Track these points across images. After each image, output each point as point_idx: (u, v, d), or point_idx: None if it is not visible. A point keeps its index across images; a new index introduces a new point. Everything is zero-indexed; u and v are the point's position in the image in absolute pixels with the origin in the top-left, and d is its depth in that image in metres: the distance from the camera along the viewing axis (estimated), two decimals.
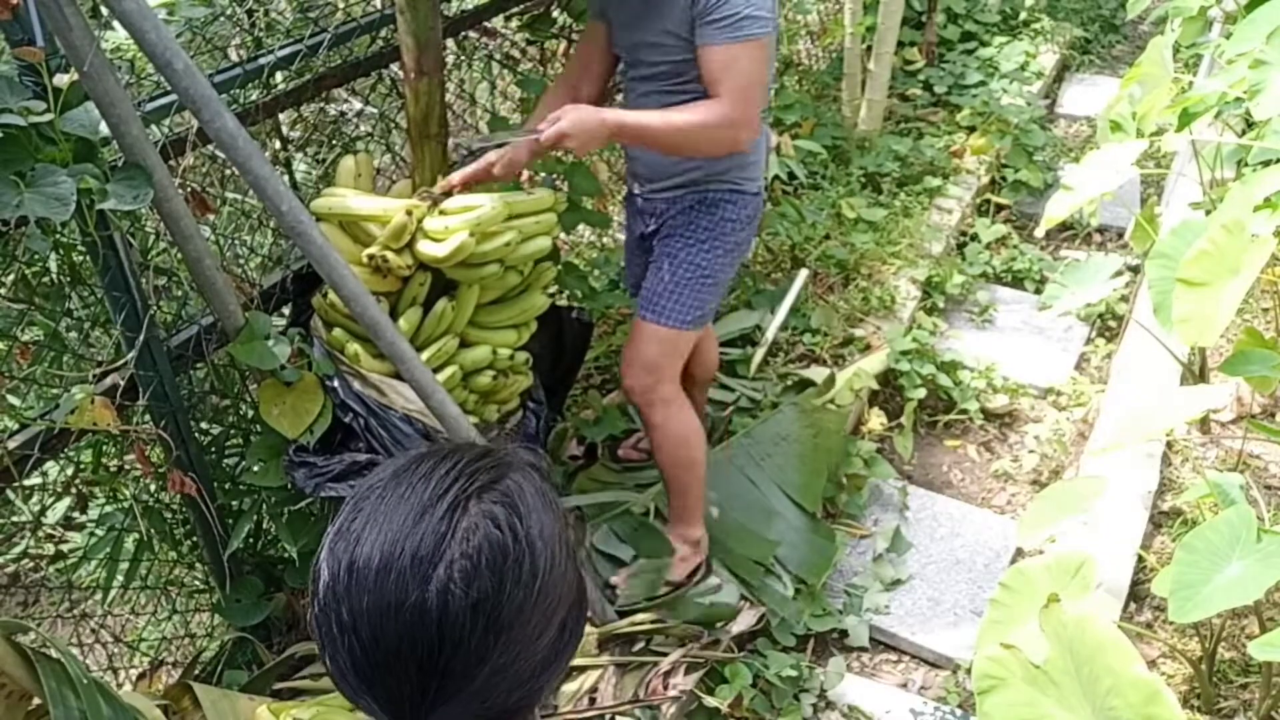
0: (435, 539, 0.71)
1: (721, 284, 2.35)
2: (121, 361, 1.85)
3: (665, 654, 2.31)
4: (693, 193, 2.27)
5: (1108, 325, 3.68)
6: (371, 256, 2.00)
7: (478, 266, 2.10)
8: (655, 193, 2.32)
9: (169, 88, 1.64)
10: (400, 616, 0.69)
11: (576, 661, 2.25)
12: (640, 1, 2.08)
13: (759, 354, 3.23)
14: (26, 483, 2.02)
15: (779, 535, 2.66)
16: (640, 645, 2.34)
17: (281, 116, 2.35)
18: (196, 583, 2.31)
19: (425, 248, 2.02)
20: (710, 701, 2.27)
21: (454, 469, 0.76)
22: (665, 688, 2.24)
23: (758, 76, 2.05)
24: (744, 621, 2.44)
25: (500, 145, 2.11)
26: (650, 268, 2.34)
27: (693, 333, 2.33)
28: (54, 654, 1.52)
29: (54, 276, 1.94)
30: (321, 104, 2.52)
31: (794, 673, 2.36)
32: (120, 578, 2.09)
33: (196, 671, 2.22)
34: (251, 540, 2.25)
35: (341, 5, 2.32)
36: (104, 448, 2.05)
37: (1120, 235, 4.16)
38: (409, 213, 2.00)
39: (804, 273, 3.47)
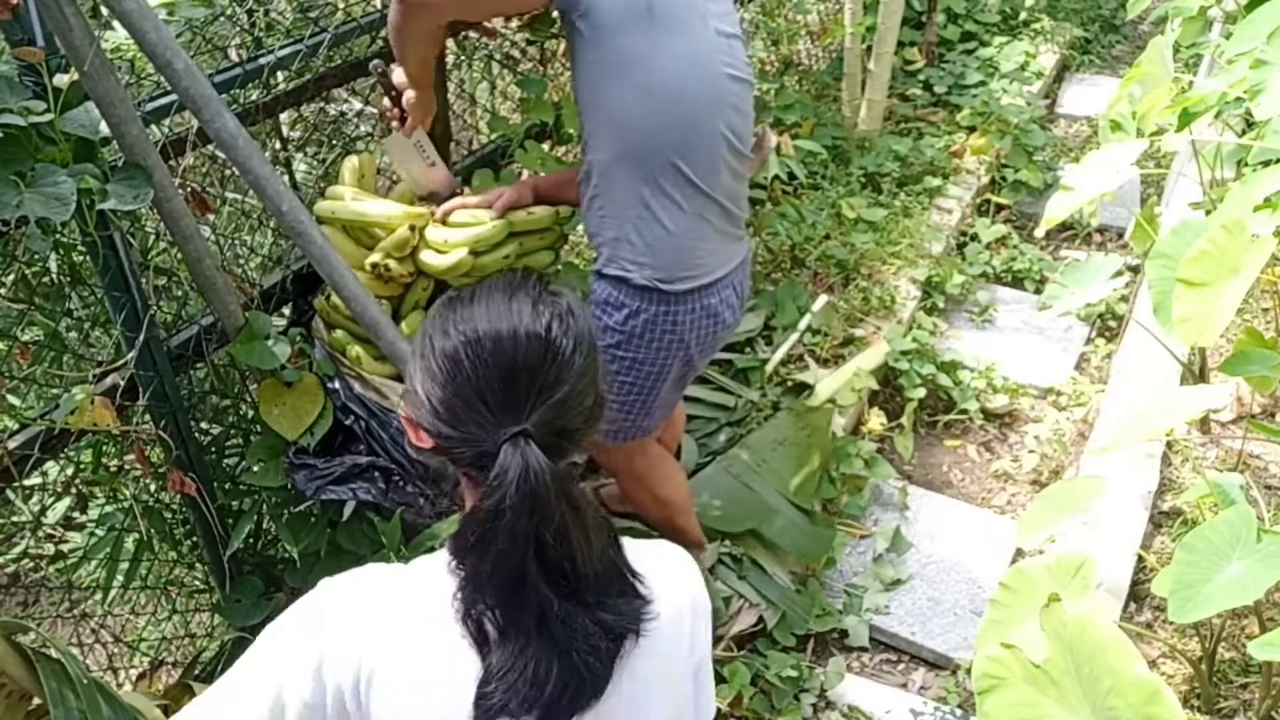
0: (531, 300, 1.02)
1: (632, 399, 1.99)
2: (121, 361, 1.85)
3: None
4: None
5: (1108, 325, 3.68)
6: (375, 265, 2.01)
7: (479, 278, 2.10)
8: None
9: (169, 88, 1.64)
10: (517, 338, 0.98)
11: None
12: None
13: (772, 362, 3.20)
14: (26, 483, 2.02)
15: (778, 533, 2.66)
16: None
17: (281, 116, 2.35)
18: (196, 583, 2.31)
19: (427, 257, 2.03)
20: None
21: (523, 271, 1.09)
22: None
23: None
24: (743, 621, 2.44)
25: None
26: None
27: (625, 442, 2.09)
28: (54, 654, 1.52)
29: (54, 276, 1.94)
30: (321, 104, 2.52)
31: (794, 673, 2.36)
32: (120, 578, 2.08)
33: (196, 671, 2.22)
34: (251, 540, 2.25)
35: (341, 5, 2.32)
36: (104, 448, 2.05)
37: (1120, 235, 4.16)
38: (411, 227, 2.01)
39: (824, 299, 3.44)
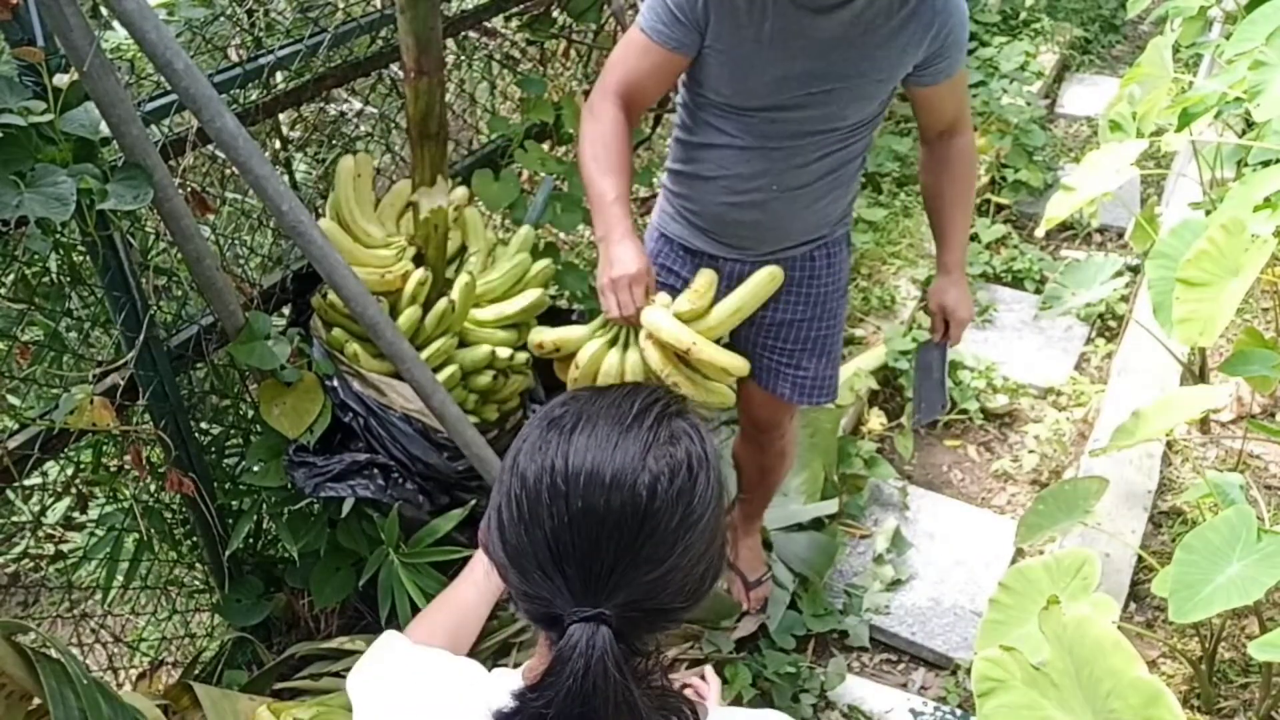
0: (643, 443, 0.84)
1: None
2: (121, 361, 1.85)
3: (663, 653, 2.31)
4: (821, 245, 2.04)
5: (1108, 325, 3.68)
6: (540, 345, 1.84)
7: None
8: (760, 258, 1.98)
9: (169, 88, 1.64)
10: (612, 494, 0.81)
11: None
12: (853, 26, 1.70)
13: None
14: (26, 483, 2.02)
15: (781, 538, 2.66)
16: None
17: (281, 116, 2.35)
18: (196, 583, 2.31)
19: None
20: None
21: (648, 394, 0.91)
22: None
23: None
24: (745, 628, 2.44)
25: None
26: (785, 352, 2.11)
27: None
28: (54, 654, 1.52)
29: (54, 276, 1.94)
30: (321, 104, 2.52)
31: (792, 669, 2.36)
32: (120, 578, 2.08)
33: (196, 671, 2.22)
34: (251, 540, 2.25)
35: (341, 5, 2.32)
36: (104, 448, 2.04)
37: (1120, 235, 4.16)
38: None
39: None
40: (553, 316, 2.46)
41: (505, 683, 0.92)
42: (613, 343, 1.74)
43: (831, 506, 2.75)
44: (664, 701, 0.86)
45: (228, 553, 2.09)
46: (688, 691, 1.05)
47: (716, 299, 1.84)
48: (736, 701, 2.29)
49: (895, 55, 1.75)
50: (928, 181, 2.07)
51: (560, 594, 0.83)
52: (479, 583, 1.23)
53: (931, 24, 1.72)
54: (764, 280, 1.83)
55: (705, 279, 1.79)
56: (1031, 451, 3.14)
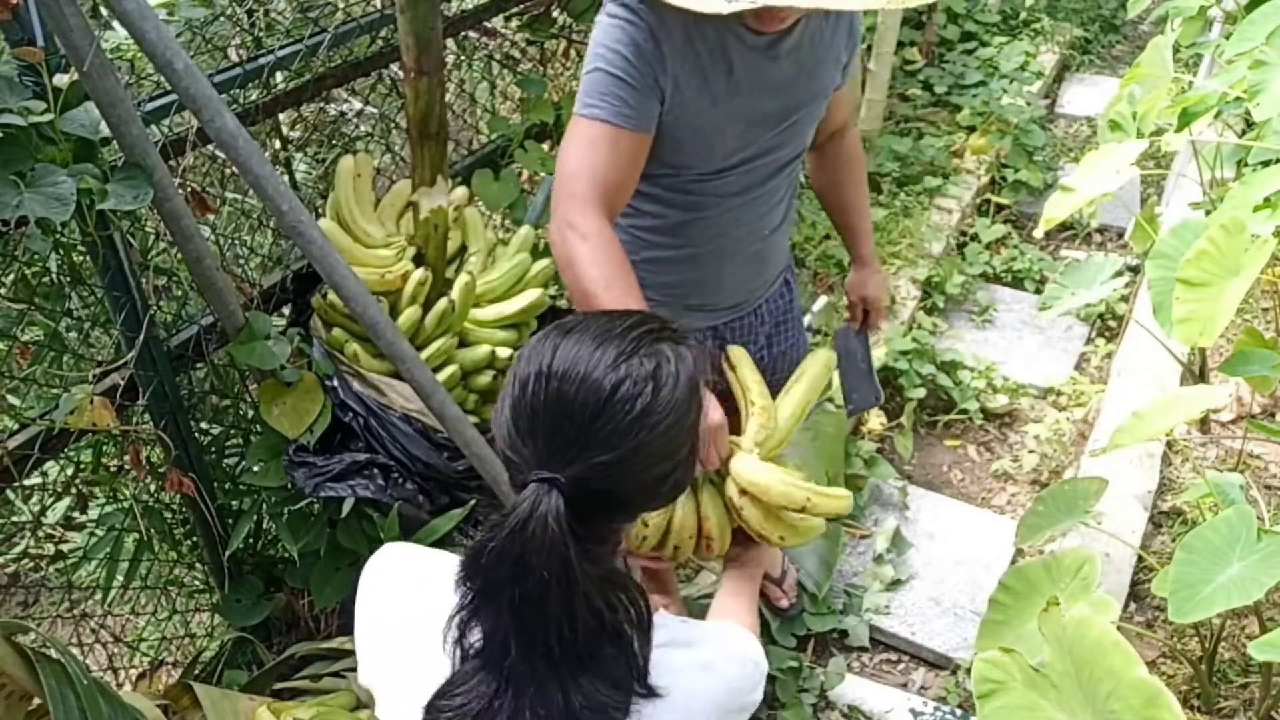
0: (619, 351, 0.97)
1: None
2: (121, 361, 1.85)
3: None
4: (786, 270, 2.03)
5: (1108, 325, 3.68)
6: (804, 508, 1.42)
7: None
8: (750, 309, 1.96)
9: (169, 88, 1.64)
10: (581, 386, 0.95)
11: None
12: (798, 54, 1.63)
13: None
14: (26, 483, 2.02)
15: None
16: None
17: (281, 116, 2.35)
18: (196, 583, 2.31)
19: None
20: None
21: (644, 317, 1.05)
22: None
23: None
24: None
25: None
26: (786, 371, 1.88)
27: None
28: (54, 654, 1.52)
29: (54, 276, 1.94)
30: (321, 104, 2.52)
31: (794, 664, 2.36)
32: (120, 578, 2.08)
33: (196, 671, 2.22)
34: (251, 540, 2.25)
35: (341, 5, 2.32)
36: (104, 448, 2.05)
37: (1120, 235, 4.16)
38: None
39: (824, 299, 3.44)
40: (553, 316, 2.46)
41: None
42: None
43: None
44: (609, 576, 0.96)
45: (228, 553, 2.09)
46: (653, 596, 1.07)
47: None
48: None
49: (833, 65, 1.72)
50: (826, 183, 2.04)
51: (528, 460, 0.96)
52: None
53: (850, 26, 1.71)
54: (821, 370, 1.65)
55: (754, 379, 1.56)
56: (1031, 451, 3.14)
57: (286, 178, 2.36)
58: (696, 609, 2.41)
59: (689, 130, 1.60)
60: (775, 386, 2.04)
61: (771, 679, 2.37)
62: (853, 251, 2.10)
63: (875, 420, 3.17)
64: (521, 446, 0.97)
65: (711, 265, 1.81)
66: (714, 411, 1.38)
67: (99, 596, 2.12)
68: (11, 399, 1.96)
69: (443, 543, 2.07)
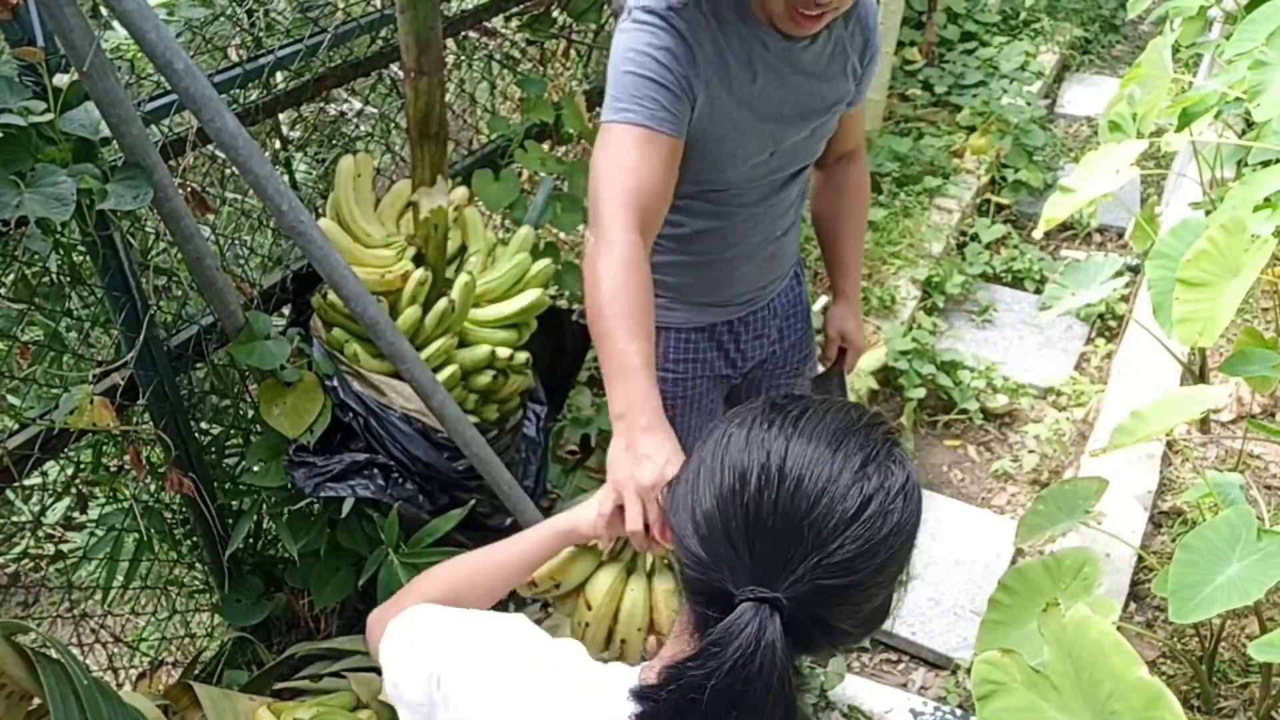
0: (865, 454, 0.83)
1: None
2: (121, 361, 1.85)
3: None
4: (794, 265, 2.04)
5: (1108, 325, 3.68)
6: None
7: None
8: (763, 304, 1.98)
9: (169, 88, 1.64)
10: (825, 494, 0.80)
11: None
12: (818, 65, 1.64)
13: None
14: (26, 483, 2.02)
15: None
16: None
17: (281, 116, 2.35)
18: (196, 583, 2.31)
19: None
20: None
21: (873, 414, 0.91)
22: None
23: None
24: None
25: None
26: (798, 361, 2.09)
27: None
28: (54, 654, 1.52)
29: (54, 276, 1.94)
30: (321, 104, 2.52)
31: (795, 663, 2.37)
32: (120, 578, 2.08)
33: (196, 671, 2.22)
34: (251, 540, 2.25)
35: (341, 5, 2.32)
36: (104, 448, 2.05)
37: (1120, 235, 4.16)
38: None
39: (824, 299, 3.45)
40: (553, 316, 2.46)
41: (619, 676, 0.90)
42: (630, 569, 1.30)
43: None
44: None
45: (228, 553, 2.09)
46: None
47: (743, 355, 1.92)
48: None
49: (849, 74, 1.72)
50: (824, 209, 2.01)
51: (739, 570, 0.81)
52: (526, 551, 1.16)
53: (865, 42, 1.70)
54: None
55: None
56: (1031, 451, 3.14)
57: (286, 178, 2.36)
58: None
59: (714, 139, 1.58)
60: (788, 378, 2.05)
61: None
62: (835, 285, 2.03)
63: None
64: (730, 552, 0.82)
65: (725, 269, 1.81)
66: (672, 461, 1.19)
67: (99, 596, 2.12)
68: (11, 399, 1.96)
69: (443, 543, 2.07)
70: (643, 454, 1.21)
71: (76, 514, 2.20)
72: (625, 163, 1.44)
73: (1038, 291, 3.82)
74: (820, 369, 2.12)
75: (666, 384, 1.87)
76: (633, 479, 1.19)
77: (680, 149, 1.52)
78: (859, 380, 3.12)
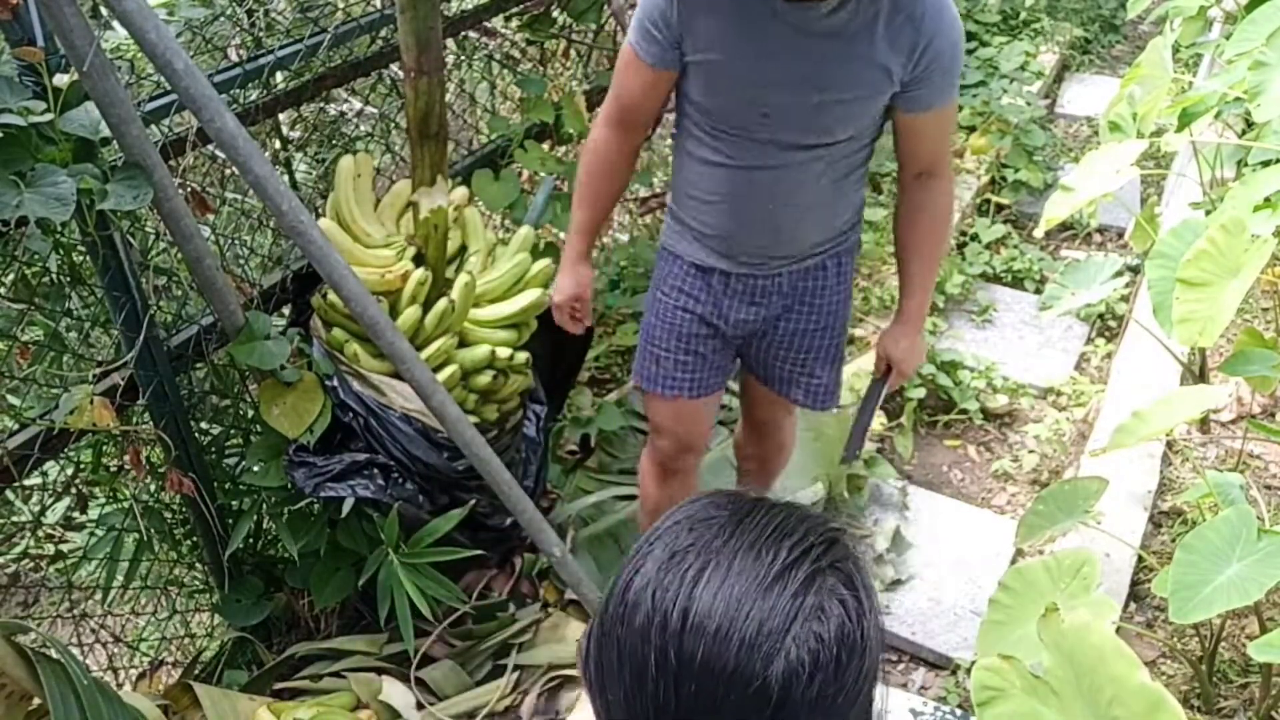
0: (786, 615, 0.68)
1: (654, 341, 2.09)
2: (121, 361, 1.85)
3: None
4: (830, 253, 2.02)
5: (1108, 325, 3.68)
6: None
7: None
8: (780, 268, 1.99)
9: (169, 88, 1.64)
10: (736, 685, 0.66)
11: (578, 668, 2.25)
12: (835, 41, 1.68)
13: None
14: (26, 483, 2.02)
15: None
16: None
17: (281, 116, 2.35)
18: (196, 583, 2.31)
19: None
20: None
21: (801, 536, 0.73)
22: None
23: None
24: None
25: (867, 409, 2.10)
26: (804, 353, 2.08)
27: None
28: (54, 654, 1.52)
29: (54, 276, 1.94)
30: (321, 104, 2.52)
31: None
32: (120, 578, 2.08)
33: (196, 671, 2.22)
34: (251, 540, 2.25)
35: (341, 5, 2.32)
36: (104, 448, 2.05)
37: (1120, 235, 4.16)
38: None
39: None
40: (553, 316, 2.46)
41: None
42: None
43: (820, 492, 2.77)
44: None
45: (228, 553, 2.09)
46: None
47: (731, 312, 1.98)
48: None
49: (876, 72, 1.71)
50: (899, 227, 2.02)
51: None
52: None
53: (915, 44, 1.69)
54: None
55: None
56: (1031, 451, 3.14)
57: (286, 178, 2.36)
58: None
59: (706, 82, 1.76)
60: (790, 367, 2.07)
61: None
62: (900, 302, 2.07)
63: (875, 420, 3.16)
64: (626, 711, 0.70)
65: (723, 218, 1.90)
66: (565, 290, 2.05)
67: (99, 596, 2.13)
68: (11, 399, 1.96)
69: (443, 543, 2.07)
70: (555, 285, 2.07)
71: (76, 514, 2.20)
72: (617, 76, 1.85)
73: (1038, 291, 3.82)
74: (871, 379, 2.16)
75: (661, 303, 2.05)
76: (552, 301, 2.09)
77: (663, 77, 1.79)
78: (859, 380, 3.12)
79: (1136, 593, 2.56)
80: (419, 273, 2.10)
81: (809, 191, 1.86)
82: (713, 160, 1.84)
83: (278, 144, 2.42)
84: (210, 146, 1.94)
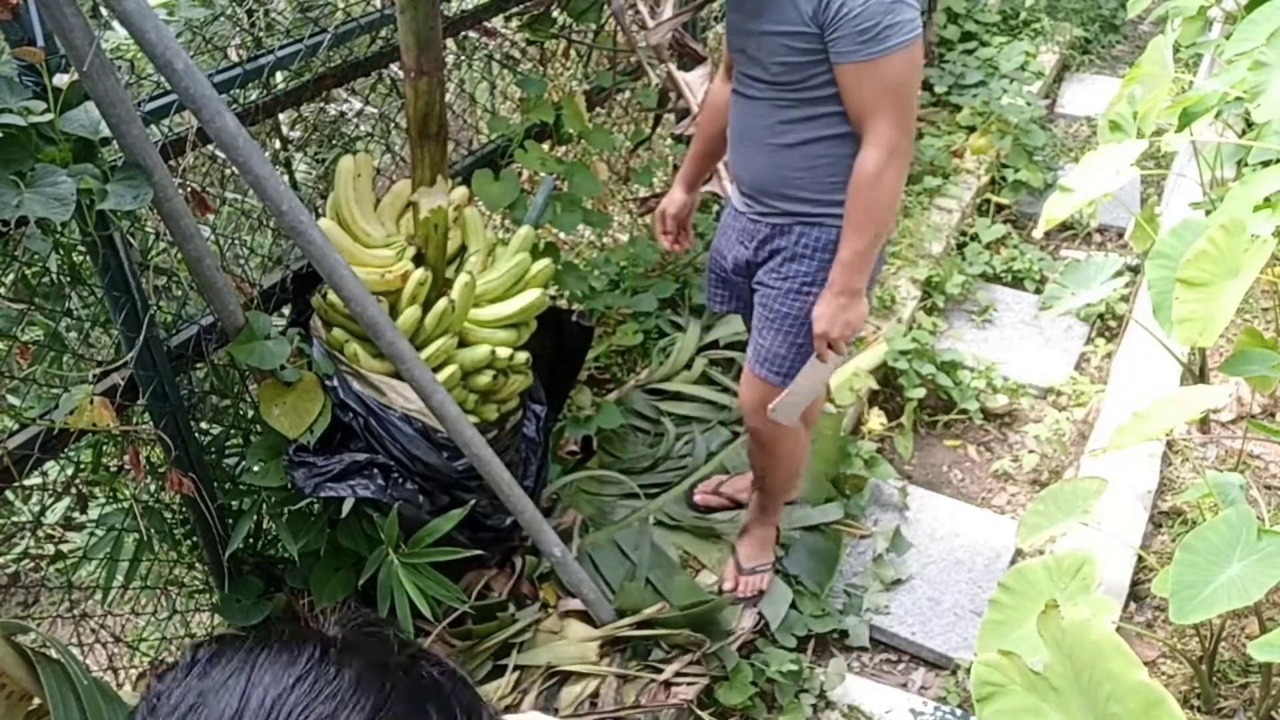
0: None
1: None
2: (121, 361, 1.85)
3: (666, 665, 2.30)
4: (800, 223, 2.07)
5: (1108, 325, 3.68)
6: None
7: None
8: (760, 215, 2.13)
9: (169, 88, 1.64)
10: None
11: (578, 668, 2.25)
12: None
13: None
14: (26, 483, 2.02)
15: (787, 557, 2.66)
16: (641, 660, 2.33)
17: (281, 116, 2.35)
18: (196, 583, 2.31)
19: None
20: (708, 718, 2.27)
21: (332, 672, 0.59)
22: (667, 696, 2.24)
23: (912, 86, 1.86)
24: (745, 622, 2.44)
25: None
26: (758, 310, 2.19)
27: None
28: (54, 654, 1.52)
29: (54, 276, 1.94)
30: (321, 104, 2.52)
31: (794, 667, 2.36)
32: (120, 578, 2.08)
33: None
34: (251, 540, 2.25)
35: (341, 5, 2.32)
36: (104, 448, 2.05)
37: (1120, 235, 4.16)
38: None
39: None
40: (553, 316, 2.46)
41: None
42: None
43: (836, 512, 2.75)
44: None
45: (228, 553, 2.09)
46: None
47: (730, 248, 2.22)
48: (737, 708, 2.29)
49: (789, 8, 1.84)
50: None
51: None
52: None
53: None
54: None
55: None
56: (1031, 451, 3.14)
57: (286, 178, 2.36)
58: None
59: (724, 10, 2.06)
60: (754, 311, 2.21)
61: (770, 682, 2.37)
62: None
63: (875, 420, 3.17)
64: None
65: (726, 141, 2.19)
66: (662, 201, 2.40)
67: (99, 596, 2.12)
68: (11, 399, 1.96)
69: (443, 543, 2.07)
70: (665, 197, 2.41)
71: (76, 514, 2.20)
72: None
73: (1038, 291, 3.82)
74: None
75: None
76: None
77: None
78: (858, 380, 3.12)
79: (1136, 593, 2.56)
80: (419, 273, 2.10)
81: (759, 130, 2.04)
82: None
83: (278, 144, 2.42)
84: (210, 146, 1.94)
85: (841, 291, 2.00)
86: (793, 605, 2.53)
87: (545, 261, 2.35)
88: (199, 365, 2.08)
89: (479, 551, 2.15)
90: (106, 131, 1.59)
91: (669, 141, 3.57)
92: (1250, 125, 3.07)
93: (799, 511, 2.73)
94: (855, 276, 1.98)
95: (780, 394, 2.19)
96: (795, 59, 1.88)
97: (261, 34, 2.26)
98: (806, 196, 2.04)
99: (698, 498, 2.76)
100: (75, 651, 1.86)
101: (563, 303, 2.84)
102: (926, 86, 4.88)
